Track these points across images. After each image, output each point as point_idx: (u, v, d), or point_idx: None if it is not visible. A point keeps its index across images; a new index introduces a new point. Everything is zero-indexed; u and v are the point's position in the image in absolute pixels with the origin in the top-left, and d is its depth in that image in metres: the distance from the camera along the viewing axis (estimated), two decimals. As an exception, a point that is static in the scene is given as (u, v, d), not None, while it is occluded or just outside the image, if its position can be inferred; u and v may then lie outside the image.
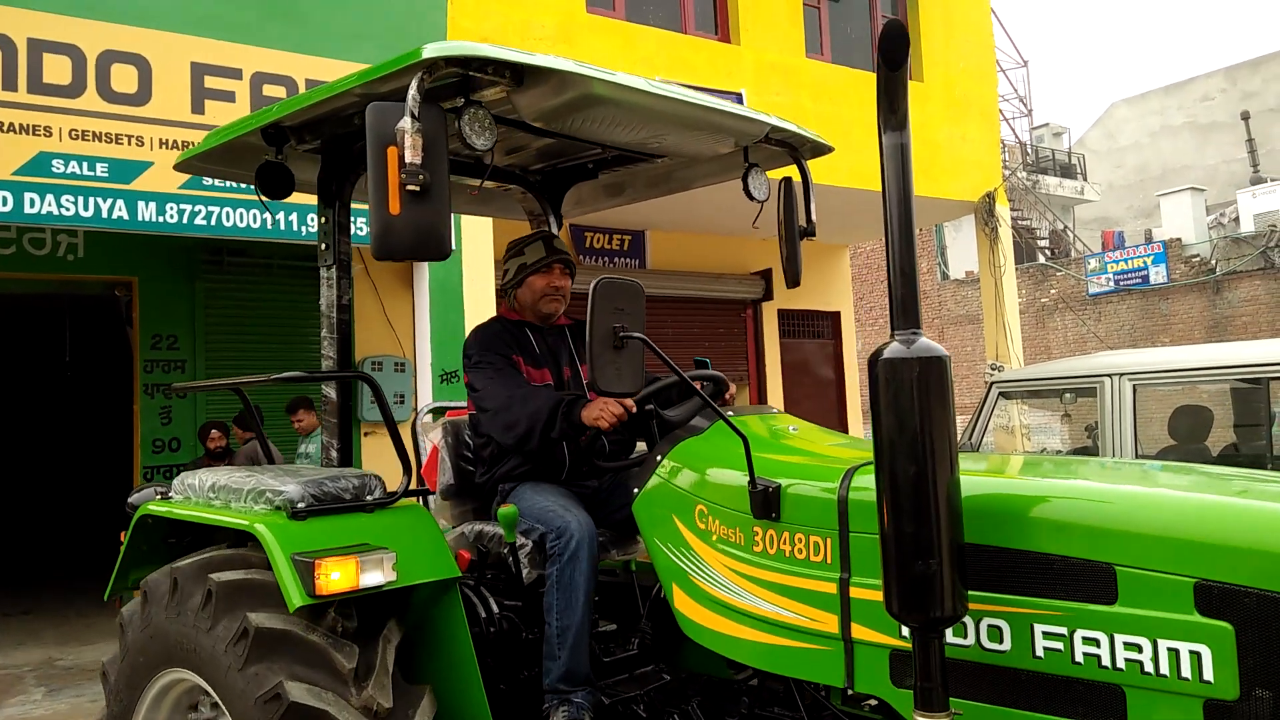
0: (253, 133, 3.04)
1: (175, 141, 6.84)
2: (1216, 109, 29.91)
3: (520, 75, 2.56)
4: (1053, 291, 22.82)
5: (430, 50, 2.41)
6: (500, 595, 3.14)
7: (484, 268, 8.45)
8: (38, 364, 13.58)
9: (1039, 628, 1.98)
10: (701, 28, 10.34)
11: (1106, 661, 1.89)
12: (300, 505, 2.70)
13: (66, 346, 11.94)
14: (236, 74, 7.16)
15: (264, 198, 3.11)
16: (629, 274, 10.59)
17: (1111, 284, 21.89)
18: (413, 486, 3.13)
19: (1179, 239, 21.46)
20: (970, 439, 5.70)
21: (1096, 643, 1.90)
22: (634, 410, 2.92)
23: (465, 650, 2.75)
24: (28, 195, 6.30)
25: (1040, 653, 1.97)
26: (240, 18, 7.27)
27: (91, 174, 6.51)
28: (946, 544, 1.87)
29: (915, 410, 1.88)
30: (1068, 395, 5.98)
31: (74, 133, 6.50)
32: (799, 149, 3.40)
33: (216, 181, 6.92)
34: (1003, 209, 12.19)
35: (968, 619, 2.04)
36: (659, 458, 2.81)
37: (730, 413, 2.75)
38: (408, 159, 2.22)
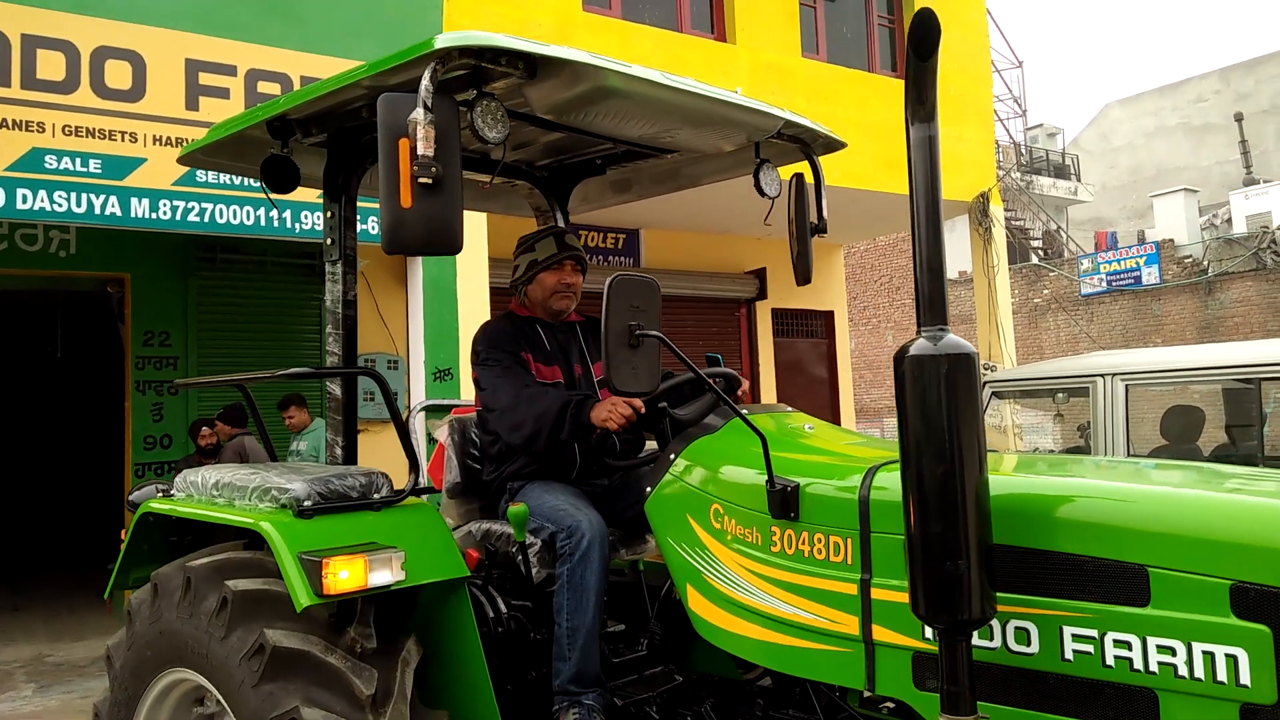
0: (258, 126, 3.01)
1: (169, 138, 6.82)
2: (1210, 110, 30.00)
3: (533, 67, 2.52)
4: (1046, 292, 22.87)
5: (443, 40, 2.37)
6: (508, 595, 3.09)
7: (478, 265, 8.44)
8: (29, 360, 13.53)
9: (1068, 630, 1.94)
10: (698, 26, 10.34)
11: (1139, 664, 1.85)
12: (307, 503, 2.65)
13: (58, 343, 11.90)
14: (231, 71, 7.14)
15: (269, 192, 3.07)
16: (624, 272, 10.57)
17: (1104, 284, 21.94)
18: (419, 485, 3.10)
19: (1172, 240, 21.52)
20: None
21: (1128, 645, 1.86)
22: (643, 411, 2.88)
23: (474, 651, 2.71)
24: (20, 191, 6.27)
25: (1069, 655, 1.93)
26: (235, 14, 7.25)
27: (85, 170, 6.49)
28: (975, 545, 1.84)
29: (943, 408, 1.84)
30: (1060, 395, 6.00)
31: (67, 129, 6.47)
32: (811, 145, 3.36)
33: (210, 178, 6.90)
34: (997, 209, 12.21)
35: (994, 621, 2.01)
36: (672, 456, 2.76)
37: (744, 411, 2.71)
38: (420, 151, 2.18)
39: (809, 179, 3.33)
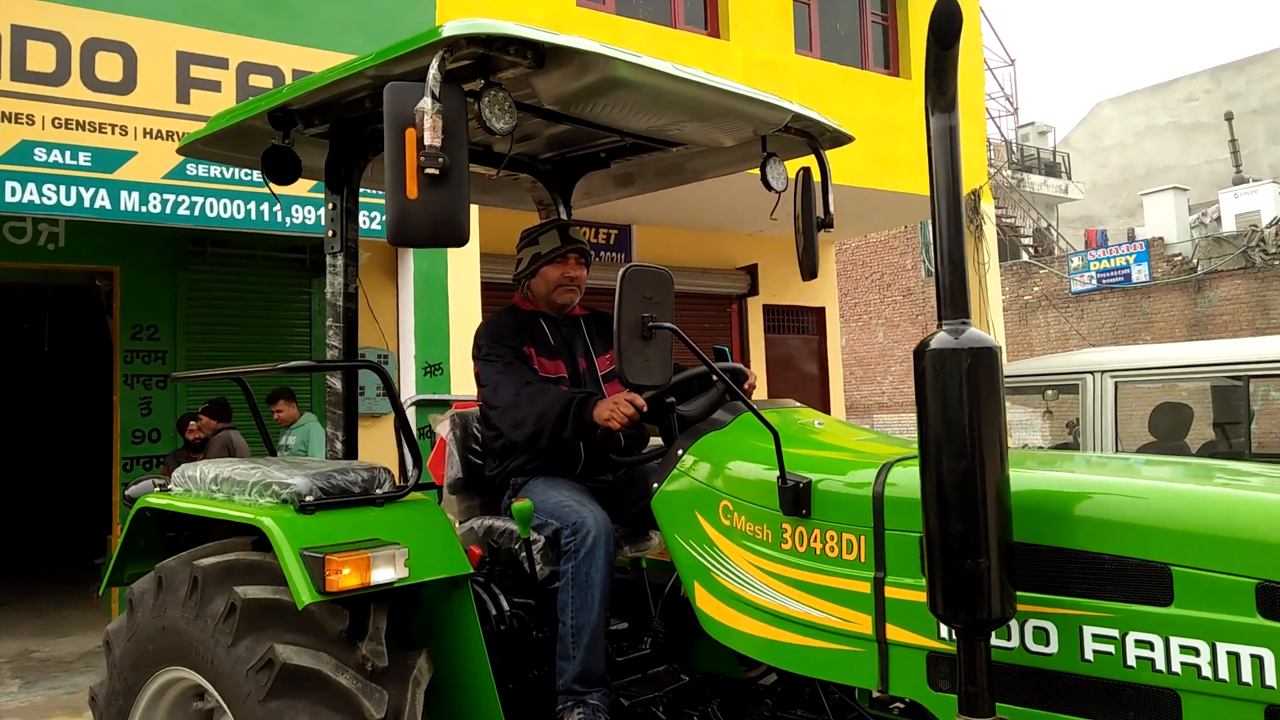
0: (259, 116, 2.97)
1: (160, 131, 6.79)
2: (1200, 109, 30.11)
3: (542, 56, 2.48)
4: (1036, 289, 22.94)
5: (451, 28, 2.32)
6: (510, 592, 3.05)
7: (470, 260, 8.43)
8: (17, 354, 13.46)
9: (1088, 630, 1.90)
10: (691, 22, 10.34)
11: (1161, 665, 1.82)
12: (309, 499, 2.60)
13: (46, 336, 11.84)
14: (223, 64, 7.11)
15: (270, 183, 3.04)
16: (612, 268, 10.58)
17: (1094, 282, 22.01)
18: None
19: (1161, 238, 21.60)
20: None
21: (1150, 645, 1.83)
22: (645, 409, 2.84)
23: (477, 649, 2.66)
24: (9, 184, 6.23)
25: (1089, 656, 1.90)
26: (227, 7, 7.22)
27: (74, 163, 6.46)
28: (995, 543, 1.80)
29: (964, 403, 1.80)
30: (1050, 392, 6.02)
31: (57, 121, 6.44)
32: (818, 138, 3.32)
33: (201, 171, 6.88)
34: (987, 207, 12.24)
35: (1012, 620, 1.96)
36: (680, 452, 2.71)
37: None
38: (427, 141, 2.14)
39: (815, 174, 3.29)
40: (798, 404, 2.96)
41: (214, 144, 3.26)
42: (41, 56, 6.44)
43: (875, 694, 2.23)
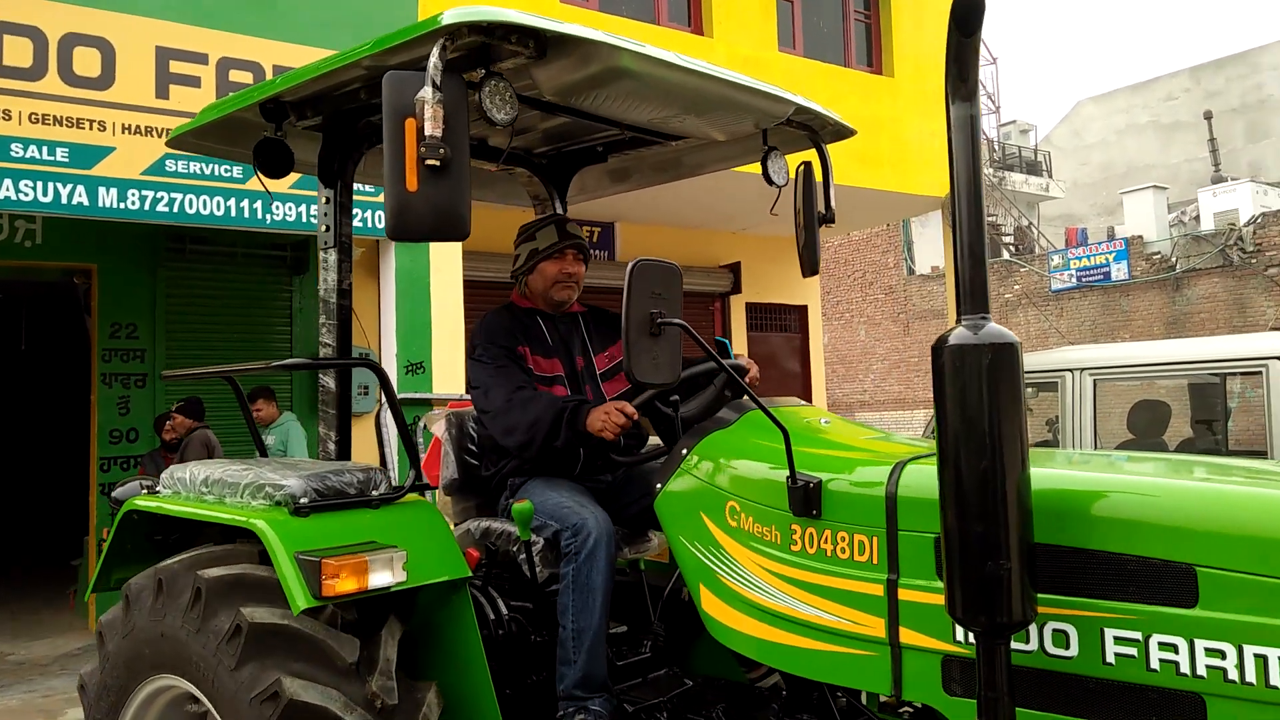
0: (250, 108, 2.91)
1: (138, 127, 6.73)
2: (1180, 108, 30.35)
3: (544, 45, 2.41)
4: (1016, 287, 23.07)
5: (451, 16, 2.25)
6: (508, 596, 2.99)
7: (452, 258, 8.40)
8: (-7, 352, 13.32)
9: (1110, 632, 1.86)
10: (674, 19, 10.33)
11: (1185, 668, 1.77)
12: (303, 500, 2.54)
13: (23, 335, 11.72)
14: (203, 59, 7.05)
15: (263, 176, 2.97)
16: (598, 266, 10.58)
17: (1074, 280, 22.15)
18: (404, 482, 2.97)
19: (1141, 236, 21.76)
20: (932, 431, 5.76)
21: (1174, 648, 1.78)
22: (636, 417, 2.80)
23: (475, 654, 2.61)
24: (-15, 180, 6.18)
25: (1111, 659, 1.85)
26: (207, 2, 7.16)
27: (51, 159, 6.38)
28: (1017, 544, 1.75)
29: (984, 401, 1.75)
30: (1029, 389, 6.05)
31: (34, 116, 6.36)
32: (819, 132, 3.26)
33: (180, 168, 6.82)
34: (969, 205, 12.28)
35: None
36: (684, 451, 2.65)
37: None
38: (428, 131, 2.08)
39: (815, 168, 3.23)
40: (802, 402, 2.89)
41: (204, 136, 3.19)
42: (18, 51, 6.35)
43: (883, 699, 2.19)
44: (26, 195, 6.28)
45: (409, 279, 8.20)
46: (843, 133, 3.29)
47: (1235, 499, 1.91)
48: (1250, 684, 1.71)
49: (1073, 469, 2.34)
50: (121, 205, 6.62)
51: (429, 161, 2.09)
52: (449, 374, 8.24)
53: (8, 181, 6.22)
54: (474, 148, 3.21)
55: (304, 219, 7.39)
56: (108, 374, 8.50)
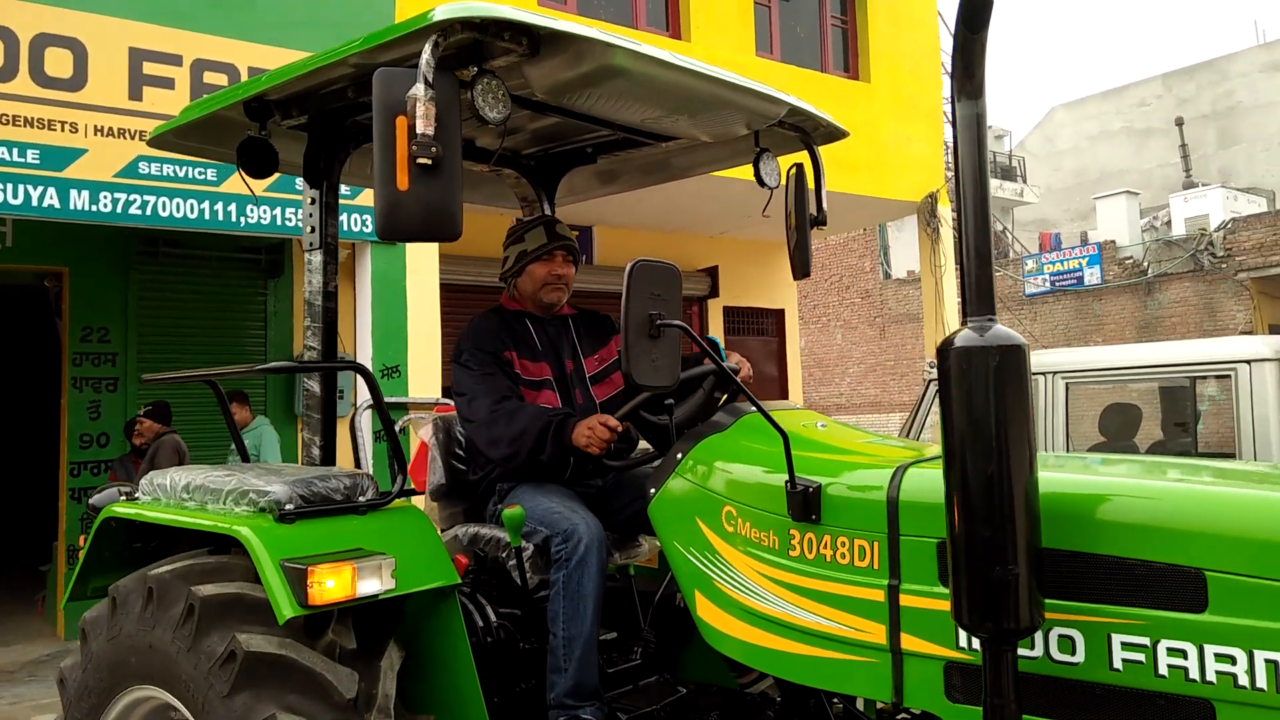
0: (234, 107, 2.85)
1: (110, 129, 6.67)
2: (1152, 114, 30.68)
3: (537, 43, 2.37)
4: (992, 291, 23.22)
5: (443, 11, 2.21)
6: (496, 603, 2.95)
7: (428, 261, 8.36)
8: (-38, 354, 13.14)
9: (1117, 638, 1.83)
10: (652, 23, 10.35)
11: (1195, 674, 1.74)
12: (288, 507, 2.48)
13: (-8, 337, 11.58)
14: (176, 60, 6.99)
15: (246, 176, 2.92)
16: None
17: (1047, 284, 22.35)
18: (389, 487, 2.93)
19: (1113, 241, 21.98)
20: (909, 435, 5.80)
21: (1183, 654, 1.76)
22: (620, 430, 2.77)
23: (465, 663, 2.56)
24: (-47, 181, 6.10)
25: (1118, 665, 1.83)
26: (180, 3, 7.10)
27: (22, 160, 6.32)
28: (1024, 549, 1.73)
29: (991, 404, 1.73)
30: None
31: (4, 118, 6.29)
32: (811, 133, 3.24)
33: (152, 170, 6.76)
34: (944, 209, 12.37)
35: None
36: (679, 455, 2.60)
37: (753, 409, 2.54)
38: (419, 130, 2.04)
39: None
40: (797, 405, 2.86)
41: (186, 135, 3.14)
42: (-12, 51, 6.30)
43: (881, 705, 2.16)
44: (-4, 197, 6.21)
45: (384, 282, 8.16)
46: (835, 134, 3.26)
47: (1245, 502, 1.88)
48: (1261, 690, 1.69)
49: (1076, 473, 2.31)
50: (93, 208, 6.56)
51: (420, 160, 2.06)
52: (425, 378, 8.21)
53: (-23, 183, 6.14)
54: (463, 148, 3.24)
55: (278, 222, 7.34)
56: (78, 378, 8.39)
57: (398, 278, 8.19)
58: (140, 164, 6.68)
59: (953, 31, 1.80)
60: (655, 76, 2.56)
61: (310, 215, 2.95)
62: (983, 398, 1.74)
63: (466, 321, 3.23)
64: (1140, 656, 1.81)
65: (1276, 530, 1.75)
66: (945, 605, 1.87)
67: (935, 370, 6.00)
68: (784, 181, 3.19)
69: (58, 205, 6.42)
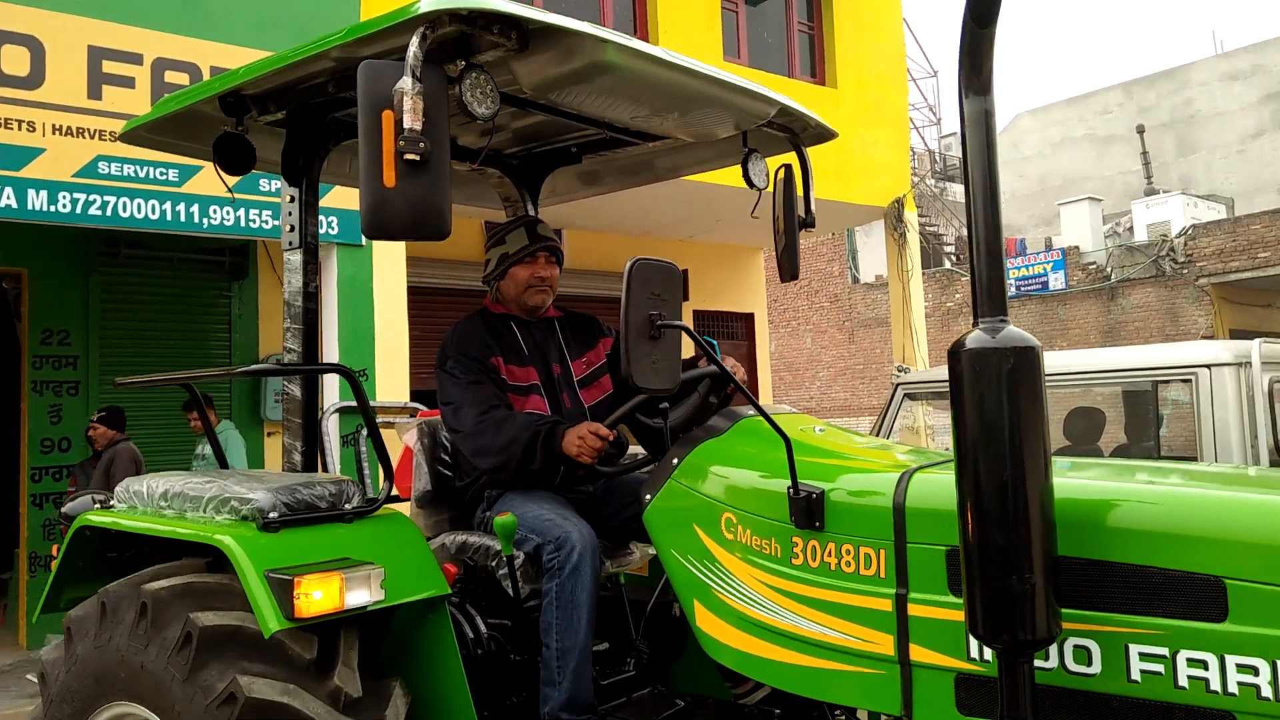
0: (209, 101, 2.75)
1: (69, 128, 6.55)
2: (1114, 122, 31.12)
3: (526, 37, 2.30)
4: (958, 296, 23.45)
5: (431, 3, 2.14)
6: (485, 613, 2.86)
7: (395, 263, 8.29)
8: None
9: (1134, 648, 1.78)
10: (620, 26, 10.34)
11: (1215, 685, 1.70)
12: (272, 515, 2.39)
13: (-51, 340, 11.34)
14: (137, 59, 6.89)
15: (223, 173, 2.83)
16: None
17: (1013, 289, 22.58)
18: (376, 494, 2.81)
19: (1077, 247, 22.27)
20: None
21: (1204, 664, 1.71)
22: (611, 438, 2.71)
23: (455, 676, 2.48)
24: (-93, 181, 5.97)
25: (1136, 676, 1.78)
26: (141, 1, 7.00)
27: (-22, 160, 6.20)
28: (1040, 557, 1.68)
29: (1004, 408, 1.68)
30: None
31: (-41, 116, 6.18)
32: (800, 134, 3.18)
33: (113, 170, 6.66)
34: (911, 215, 12.46)
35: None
36: (676, 461, 2.52)
37: (750, 412, 2.48)
38: (407, 124, 1.98)
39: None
40: (793, 409, 2.79)
41: (159, 130, 3.03)
42: (-58, 48, 6.17)
43: (886, 718, 2.11)
44: (-49, 197, 6.09)
45: (351, 285, 8.07)
46: (824, 135, 3.21)
47: (1265, 508, 1.82)
48: None
49: (1091, 478, 2.26)
50: (52, 208, 6.44)
51: (408, 156, 1.99)
52: (392, 382, 8.13)
53: (-69, 183, 6.01)
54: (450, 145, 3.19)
55: (242, 223, 7.25)
56: (38, 381, 8.25)
57: (364, 280, 8.11)
58: (100, 164, 6.58)
59: (960, 27, 1.75)
60: (646, 73, 2.50)
61: (290, 214, 2.87)
62: (996, 401, 1.69)
63: (434, 324, 3.17)
64: (1159, 667, 1.76)
65: None
66: (955, 615, 1.83)
67: (903, 374, 6.03)
68: (771, 188, 3.15)
69: (15, 205, 6.30)
